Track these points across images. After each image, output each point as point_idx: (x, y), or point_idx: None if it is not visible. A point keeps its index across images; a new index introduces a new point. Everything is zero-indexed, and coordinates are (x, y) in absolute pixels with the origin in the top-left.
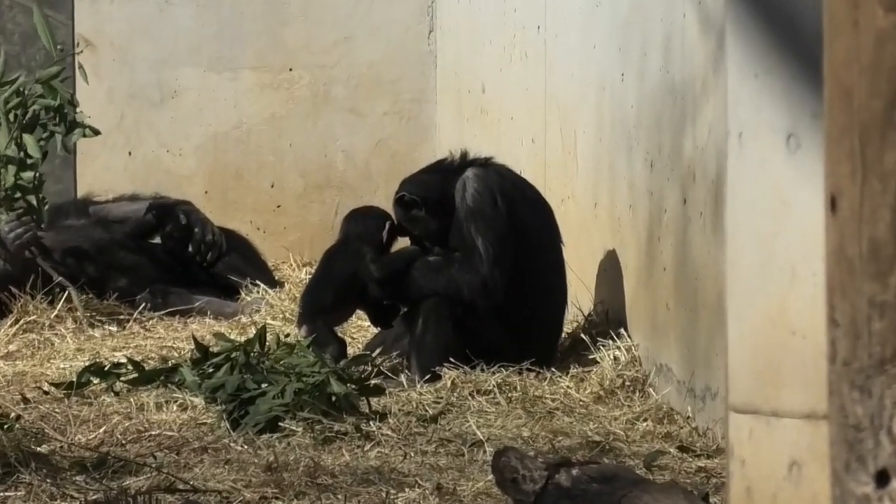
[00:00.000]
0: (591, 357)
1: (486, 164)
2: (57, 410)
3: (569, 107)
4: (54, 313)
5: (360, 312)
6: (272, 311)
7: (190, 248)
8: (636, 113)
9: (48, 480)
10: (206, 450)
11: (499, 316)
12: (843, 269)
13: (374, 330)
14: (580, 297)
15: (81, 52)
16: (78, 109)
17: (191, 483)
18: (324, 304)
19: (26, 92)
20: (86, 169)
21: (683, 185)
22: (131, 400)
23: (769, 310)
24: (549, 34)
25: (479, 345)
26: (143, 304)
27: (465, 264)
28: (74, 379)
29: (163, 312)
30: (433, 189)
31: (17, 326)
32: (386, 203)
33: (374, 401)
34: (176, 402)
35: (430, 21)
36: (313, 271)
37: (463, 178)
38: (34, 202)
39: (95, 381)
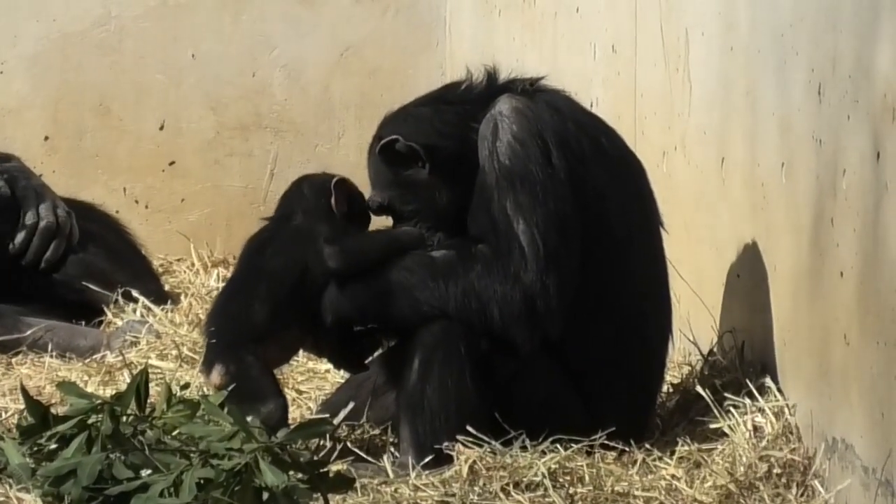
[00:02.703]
0: (713, 426)
1: (531, 92)
2: None
3: None
4: None
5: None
6: (159, 345)
7: (17, 239)
8: (793, 0)
9: None
10: None
11: (553, 355)
12: None
13: (338, 377)
14: (695, 323)
15: None
16: None
17: None
18: (252, 325)
19: None
20: None
21: (876, 127)
22: None
23: None
24: None
25: (519, 404)
26: None
27: (495, 265)
28: None
29: None
30: (442, 132)
31: None
32: (357, 156)
33: (336, 500)
34: None
35: None
36: (231, 273)
37: (492, 114)
38: None
39: None
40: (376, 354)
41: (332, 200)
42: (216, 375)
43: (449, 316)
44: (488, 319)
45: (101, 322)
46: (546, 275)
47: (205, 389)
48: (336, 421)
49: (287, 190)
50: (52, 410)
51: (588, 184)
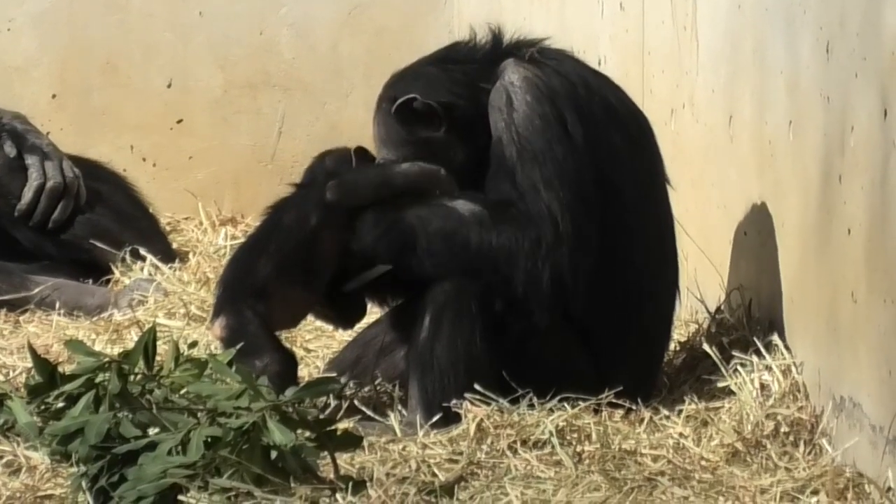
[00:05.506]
0: (720, 384)
1: (538, 56)
2: None
3: None
4: None
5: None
6: (167, 303)
7: (24, 198)
8: None
9: None
10: None
11: (563, 313)
12: None
13: (346, 335)
14: (702, 281)
15: None
16: None
17: None
18: (254, 280)
19: None
20: None
21: (884, 84)
22: None
23: None
24: None
25: (527, 362)
26: None
27: (521, 240)
28: None
29: None
30: (455, 91)
31: None
32: (366, 115)
33: (343, 458)
34: (0, 459)
35: None
36: (249, 233)
37: (503, 84)
38: None
39: None
40: (391, 310)
41: (353, 166)
42: (217, 328)
43: (464, 271)
44: (512, 291)
45: (108, 281)
46: (573, 252)
47: (213, 347)
48: (345, 379)
49: (310, 164)
50: (60, 369)
51: (602, 146)
